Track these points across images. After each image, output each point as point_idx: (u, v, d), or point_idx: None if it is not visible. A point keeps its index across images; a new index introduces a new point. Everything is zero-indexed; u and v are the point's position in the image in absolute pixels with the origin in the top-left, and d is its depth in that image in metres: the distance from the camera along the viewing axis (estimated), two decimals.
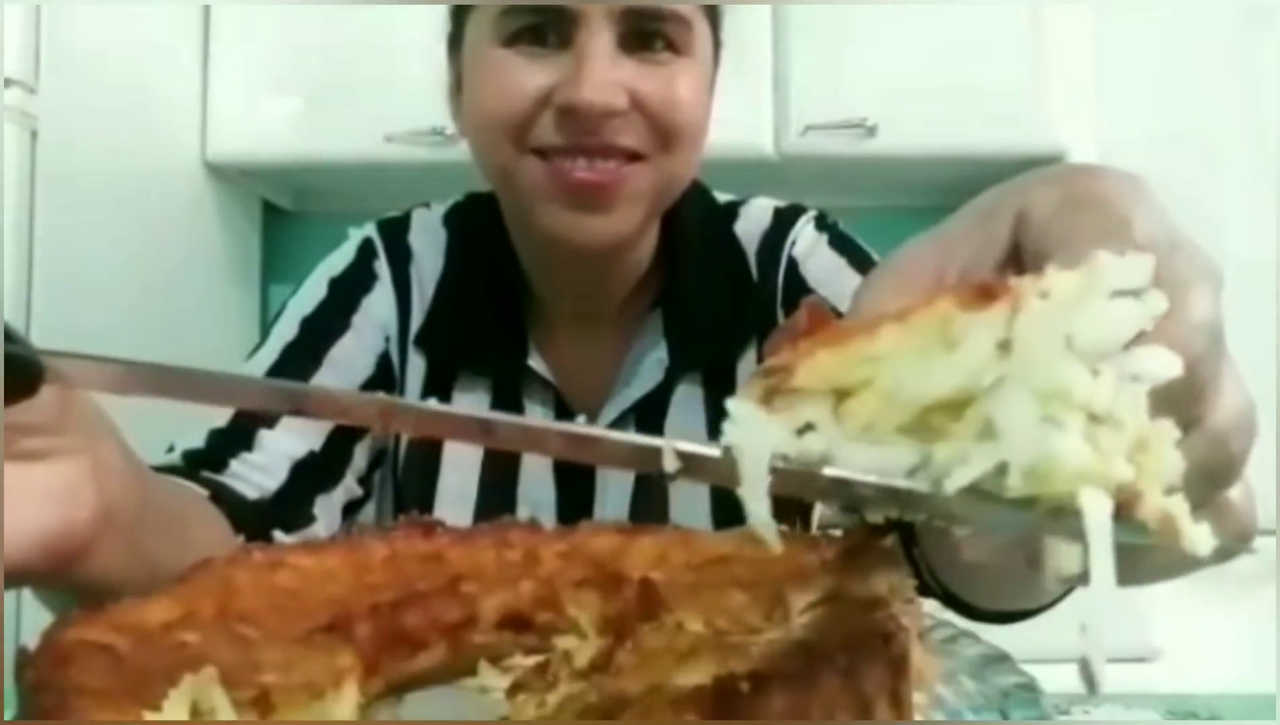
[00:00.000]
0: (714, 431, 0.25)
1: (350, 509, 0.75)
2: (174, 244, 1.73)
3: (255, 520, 0.64)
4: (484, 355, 0.77)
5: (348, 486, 0.74)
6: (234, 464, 0.68)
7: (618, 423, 0.76)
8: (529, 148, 0.67)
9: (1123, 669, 1.61)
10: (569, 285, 0.77)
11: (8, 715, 0.29)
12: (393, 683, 0.37)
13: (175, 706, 0.29)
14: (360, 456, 0.75)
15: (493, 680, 0.38)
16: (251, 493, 0.67)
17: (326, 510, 0.72)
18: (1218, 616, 1.67)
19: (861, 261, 0.77)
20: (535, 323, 0.78)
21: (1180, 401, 0.24)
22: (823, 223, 0.81)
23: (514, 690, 0.34)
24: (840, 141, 1.76)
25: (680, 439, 0.25)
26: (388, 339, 0.78)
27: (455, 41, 0.73)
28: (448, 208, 0.83)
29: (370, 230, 0.82)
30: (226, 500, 0.63)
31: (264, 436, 0.69)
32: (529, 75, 0.66)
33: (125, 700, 0.28)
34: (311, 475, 0.71)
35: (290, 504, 0.69)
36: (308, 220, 2.09)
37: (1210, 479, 0.25)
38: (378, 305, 0.78)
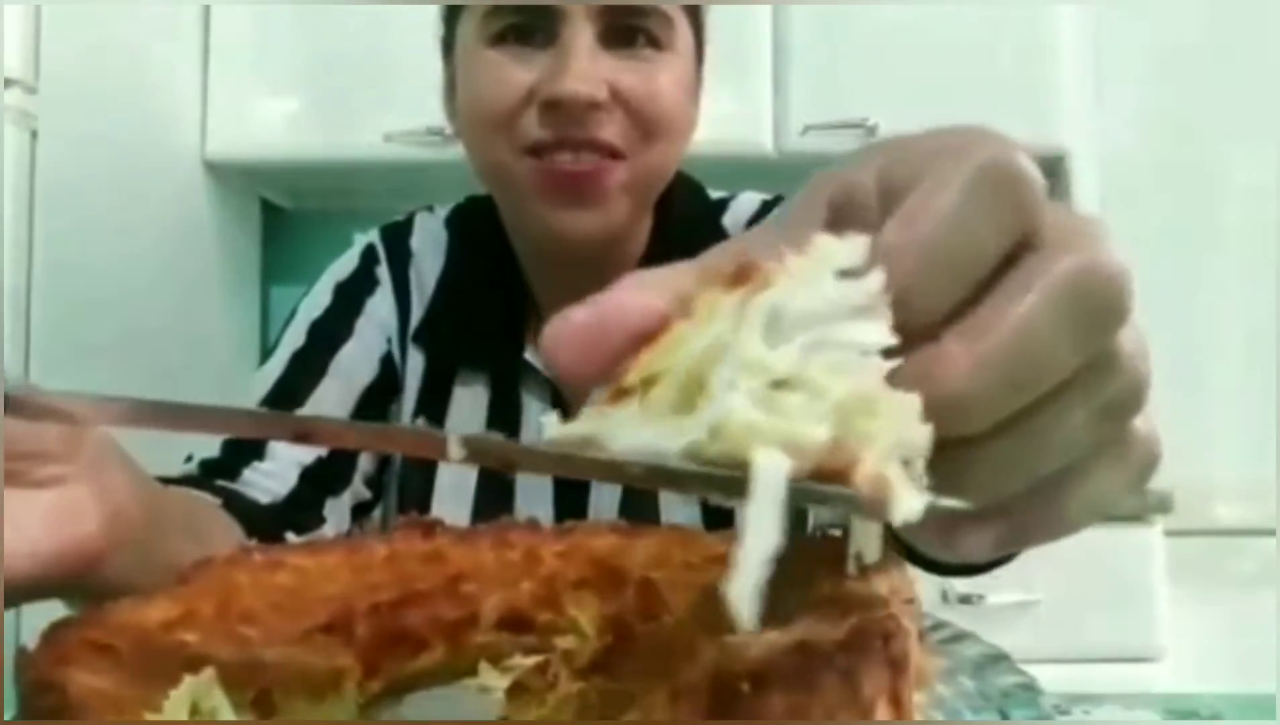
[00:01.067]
0: None
1: (359, 511, 0.77)
2: (173, 243, 1.73)
3: (267, 525, 0.66)
4: (481, 351, 0.79)
5: (355, 490, 0.76)
6: (246, 472, 0.70)
7: None
8: (519, 147, 0.68)
9: (1123, 669, 1.61)
10: (564, 280, 0.78)
11: (8, 715, 0.29)
12: (393, 683, 0.37)
13: (175, 706, 0.29)
14: (366, 460, 0.77)
15: (493, 680, 0.38)
16: (263, 498, 0.70)
17: (336, 513, 0.74)
18: (1218, 616, 1.67)
19: None
20: (532, 318, 0.79)
21: (1108, 326, 0.24)
22: None
23: (514, 690, 0.34)
24: (840, 141, 1.76)
25: None
26: (389, 340, 0.79)
27: (448, 44, 0.75)
28: (450, 210, 0.85)
29: (374, 235, 0.83)
30: (239, 507, 0.65)
31: (274, 445, 0.71)
32: (515, 72, 0.68)
33: (125, 700, 0.28)
34: (320, 480, 0.73)
35: (300, 508, 0.71)
36: (307, 220, 2.09)
37: (1122, 407, 0.25)
38: (380, 308, 0.80)
